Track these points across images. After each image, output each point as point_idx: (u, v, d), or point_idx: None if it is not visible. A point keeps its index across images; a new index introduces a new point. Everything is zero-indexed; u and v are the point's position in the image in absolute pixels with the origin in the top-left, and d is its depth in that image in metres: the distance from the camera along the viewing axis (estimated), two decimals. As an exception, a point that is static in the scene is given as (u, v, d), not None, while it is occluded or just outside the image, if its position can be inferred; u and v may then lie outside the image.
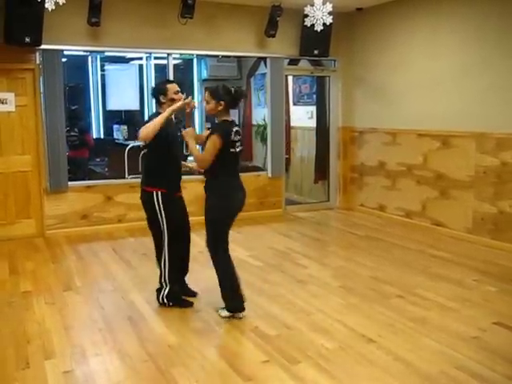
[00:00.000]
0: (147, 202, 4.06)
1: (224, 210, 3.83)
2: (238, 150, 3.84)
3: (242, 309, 3.92)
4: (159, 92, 4.07)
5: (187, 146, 3.90)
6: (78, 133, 7.86)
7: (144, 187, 4.07)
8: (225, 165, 3.81)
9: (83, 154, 8.03)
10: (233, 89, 3.85)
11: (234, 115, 9.83)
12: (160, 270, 4.14)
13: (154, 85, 4.03)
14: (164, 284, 4.12)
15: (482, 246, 5.84)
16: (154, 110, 4.26)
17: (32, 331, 3.74)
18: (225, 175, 3.85)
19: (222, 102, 3.79)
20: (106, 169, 8.19)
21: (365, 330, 3.67)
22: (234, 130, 3.81)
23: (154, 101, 4.38)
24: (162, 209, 3.98)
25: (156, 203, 3.98)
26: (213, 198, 3.85)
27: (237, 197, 3.87)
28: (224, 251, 3.89)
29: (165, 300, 4.13)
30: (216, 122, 3.94)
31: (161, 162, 4.02)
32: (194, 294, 4.33)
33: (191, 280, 4.55)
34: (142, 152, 4.15)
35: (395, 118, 7.12)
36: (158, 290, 4.17)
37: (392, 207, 7.28)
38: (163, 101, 4.04)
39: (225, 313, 3.93)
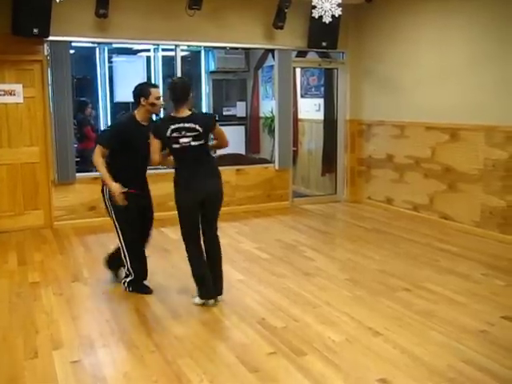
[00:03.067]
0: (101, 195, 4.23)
1: (178, 200, 3.93)
2: (182, 145, 3.82)
3: (210, 297, 4.02)
4: (141, 94, 4.08)
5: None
6: (77, 125, 7.83)
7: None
8: (176, 159, 3.96)
9: (89, 146, 8.02)
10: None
11: (242, 107, 9.90)
12: (124, 262, 4.28)
13: (137, 84, 4.11)
14: (128, 273, 4.28)
15: (491, 239, 5.81)
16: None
17: (40, 321, 3.76)
18: (178, 168, 3.97)
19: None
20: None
21: (372, 323, 3.66)
22: (172, 127, 3.81)
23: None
24: (109, 202, 4.15)
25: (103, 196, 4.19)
26: (174, 189, 3.96)
27: (187, 188, 3.90)
28: (192, 243, 3.98)
29: (126, 285, 4.31)
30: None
31: (116, 160, 4.12)
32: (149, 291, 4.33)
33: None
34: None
35: (403, 110, 7.07)
36: (125, 275, 4.32)
37: (400, 200, 7.26)
38: (143, 103, 4.06)
39: (197, 300, 4.02)
